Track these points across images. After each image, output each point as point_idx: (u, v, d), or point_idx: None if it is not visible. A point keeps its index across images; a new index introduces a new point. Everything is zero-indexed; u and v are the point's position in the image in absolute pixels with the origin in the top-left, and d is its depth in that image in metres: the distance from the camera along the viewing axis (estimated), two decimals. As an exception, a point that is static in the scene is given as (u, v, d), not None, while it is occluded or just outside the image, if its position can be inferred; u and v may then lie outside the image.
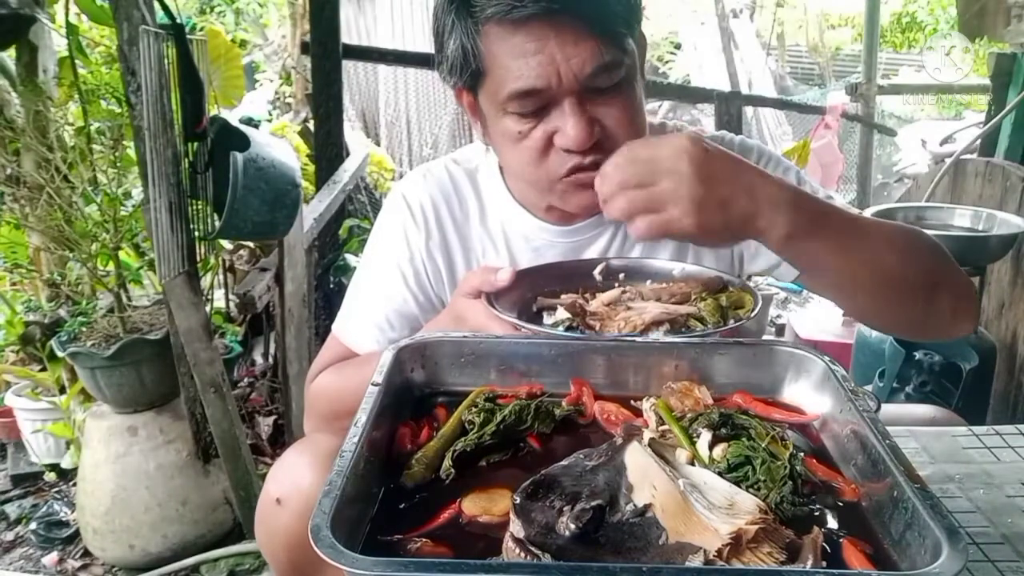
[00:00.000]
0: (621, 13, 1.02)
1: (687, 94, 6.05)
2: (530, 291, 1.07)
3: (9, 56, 2.54)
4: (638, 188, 0.88)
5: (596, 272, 1.12)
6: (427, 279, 1.25)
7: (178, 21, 1.91)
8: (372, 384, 0.78)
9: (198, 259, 2.14)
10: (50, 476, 2.75)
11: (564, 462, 0.70)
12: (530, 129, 1.04)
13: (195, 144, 2.02)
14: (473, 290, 1.03)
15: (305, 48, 3.56)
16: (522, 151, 1.07)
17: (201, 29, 2.90)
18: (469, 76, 1.05)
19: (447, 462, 0.75)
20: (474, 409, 0.82)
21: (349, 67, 6.26)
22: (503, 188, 1.25)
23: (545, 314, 1.02)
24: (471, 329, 0.98)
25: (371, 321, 1.23)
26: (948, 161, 2.99)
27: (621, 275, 1.13)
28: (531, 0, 0.95)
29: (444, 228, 1.25)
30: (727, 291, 1.04)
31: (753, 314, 0.96)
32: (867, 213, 2.54)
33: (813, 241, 0.92)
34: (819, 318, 3.99)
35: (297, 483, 1.01)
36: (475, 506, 0.69)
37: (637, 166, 0.88)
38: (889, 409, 1.42)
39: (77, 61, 2.44)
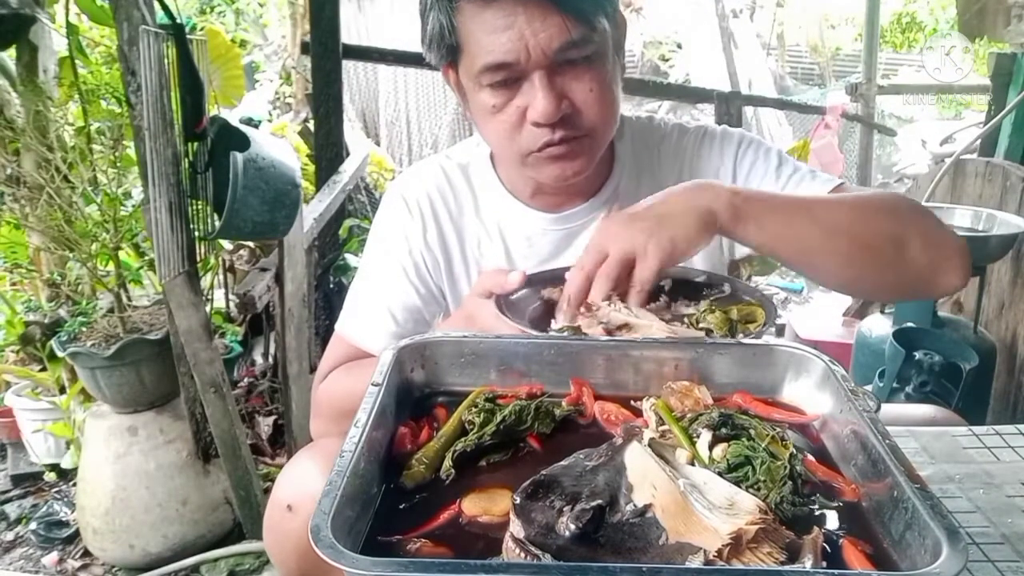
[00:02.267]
0: None
1: (687, 94, 6.04)
2: (543, 294, 1.08)
3: (9, 56, 2.54)
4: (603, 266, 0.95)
5: None
6: (427, 271, 1.28)
7: (178, 21, 1.91)
8: (372, 384, 0.78)
9: (198, 259, 2.14)
10: (50, 476, 2.75)
11: (564, 462, 0.70)
12: (504, 103, 1.08)
13: (195, 144, 2.02)
14: (485, 291, 1.05)
15: (305, 48, 3.56)
16: (497, 124, 1.11)
17: (201, 29, 2.90)
18: (446, 51, 1.10)
19: (447, 462, 0.75)
20: (474, 409, 0.82)
21: (349, 67, 6.26)
22: (495, 180, 1.28)
23: (553, 320, 1.02)
24: (480, 329, 0.99)
25: (376, 316, 1.26)
26: (948, 161, 2.99)
27: None
28: None
29: (440, 221, 1.28)
30: (741, 303, 1.04)
31: (761, 330, 0.96)
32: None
33: (759, 219, 0.99)
34: (819, 318, 3.99)
35: (308, 489, 1.01)
36: (475, 506, 0.69)
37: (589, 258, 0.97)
38: (889, 409, 1.42)
39: (77, 61, 2.44)
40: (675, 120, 1.35)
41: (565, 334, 0.93)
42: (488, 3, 1.02)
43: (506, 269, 1.09)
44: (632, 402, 0.86)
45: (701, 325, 0.97)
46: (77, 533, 2.44)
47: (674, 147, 1.30)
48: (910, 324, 2.34)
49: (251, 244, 3.34)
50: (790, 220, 1.02)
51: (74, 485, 2.53)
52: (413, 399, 0.88)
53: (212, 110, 2.17)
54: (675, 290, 1.10)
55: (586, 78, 1.07)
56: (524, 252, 1.27)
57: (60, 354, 2.33)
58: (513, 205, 1.27)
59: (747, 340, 0.93)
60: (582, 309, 1.02)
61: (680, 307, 1.05)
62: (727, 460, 0.72)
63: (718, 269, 1.30)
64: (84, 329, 2.32)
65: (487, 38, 1.03)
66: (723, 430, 0.76)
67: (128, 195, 2.47)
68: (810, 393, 0.85)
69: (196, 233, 2.10)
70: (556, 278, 1.11)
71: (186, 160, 2.01)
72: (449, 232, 1.29)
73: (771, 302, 1.05)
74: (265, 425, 2.85)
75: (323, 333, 2.90)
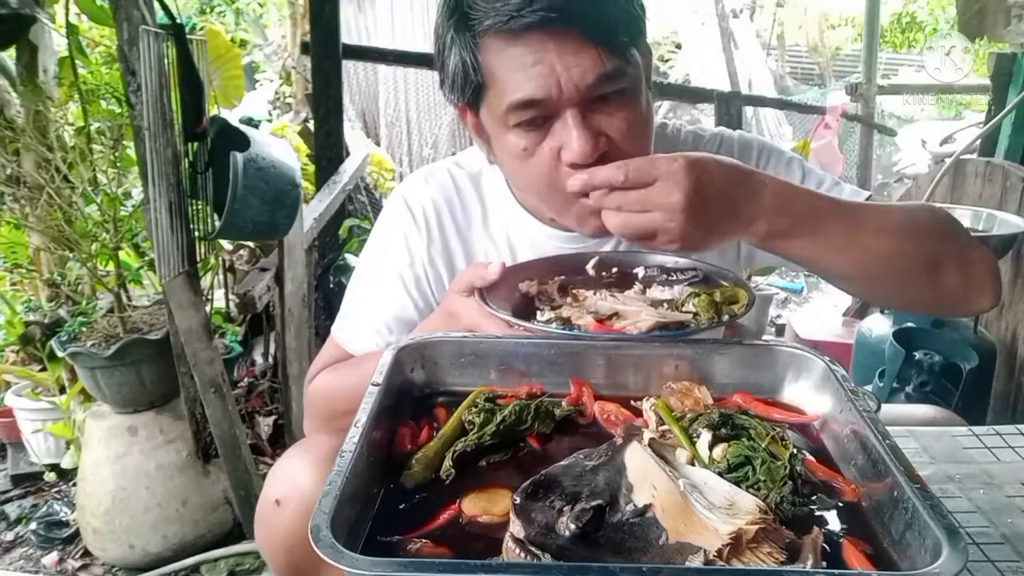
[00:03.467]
0: (622, 22, 1.00)
1: (687, 94, 6.05)
2: (523, 287, 1.06)
3: (9, 56, 2.54)
4: (632, 213, 0.91)
5: (589, 267, 1.11)
6: (428, 285, 1.23)
7: (178, 21, 1.91)
8: (372, 384, 0.78)
9: (198, 259, 2.14)
10: (50, 476, 2.75)
11: (564, 462, 0.70)
12: (535, 145, 1.02)
13: (195, 144, 2.02)
14: (466, 286, 1.02)
15: (305, 48, 3.56)
16: (530, 168, 1.05)
17: (201, 29, 2.90)
18: (471, 91, 1.04)
19: (447, 462, 0.75)
20: (474, 409, 0.82)
21: (349, 67, 6.26)
22: (507, 192, 1.23)
23: (538, 311, 1.01)
24: (464, 327, 0.97)
25: (370, 326, 1.22)
26: (948, 161, 2.99)
27: (614, 269, 1.12)
28: (529, 10, 0.94)
29: (446, 233, 1.23)
30: (721, 286, 1.03)
31: (747, 309, 0.95)
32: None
33: (800, 238, 0.96)
34: (819, 318, 3.99)
35: (297, 484, 1.01)
36: (475, 506, 0.69)
37: (634, 194, 0.90)
38: (889, 409, 1.42)
39: (77, 61, 2.43)
40: (688, 127, 1.30)
41: (553, 325, 0.93)
42: (517, 36, 0.96)
43: (485, 263, 1.03)
44: (632, 402, 0.86)
45: (685, 309, 0.96)
46: (77, 533, 2.44)
47: None
48: (910, 324, 2.34)
49: (251, 244, 3.34)
50: (830, 242, 0.98)
51: (74, 485, 2.53)
52: (413, 399, 0.88)
53: (212, 110, 2.17)
54: (646, 276, 1.10)
55: (622, 114, 1.01)
56: None
57: (60, 354, 2.33)
58: (525, 220, 1.22)
59: (747, 341, 0.93)
60: (568, 300, 1.02)
61: (655, 292, 1.04)
62: (727, 460, 0.72)
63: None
64: (84, 329, 2.32)
65: (515, 74, 0.98)
66: (723, 430, 0.76)
67: (128, 195, 2.47)
68: (810, 393, 0.86)
69: (196, 233, 2.10)
70: (536, 270, 1.10)
71: (186, 160, 2.01)
72: (455, 246, 1.24)
73: (747, 283, 1.04)
74: (265, 425, 2.85)
75: (323, 333, 2.90)
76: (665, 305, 0.99)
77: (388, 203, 1.30)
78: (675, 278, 1.09)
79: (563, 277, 1.07)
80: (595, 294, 1.01)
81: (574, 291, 1.03)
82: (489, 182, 1.25)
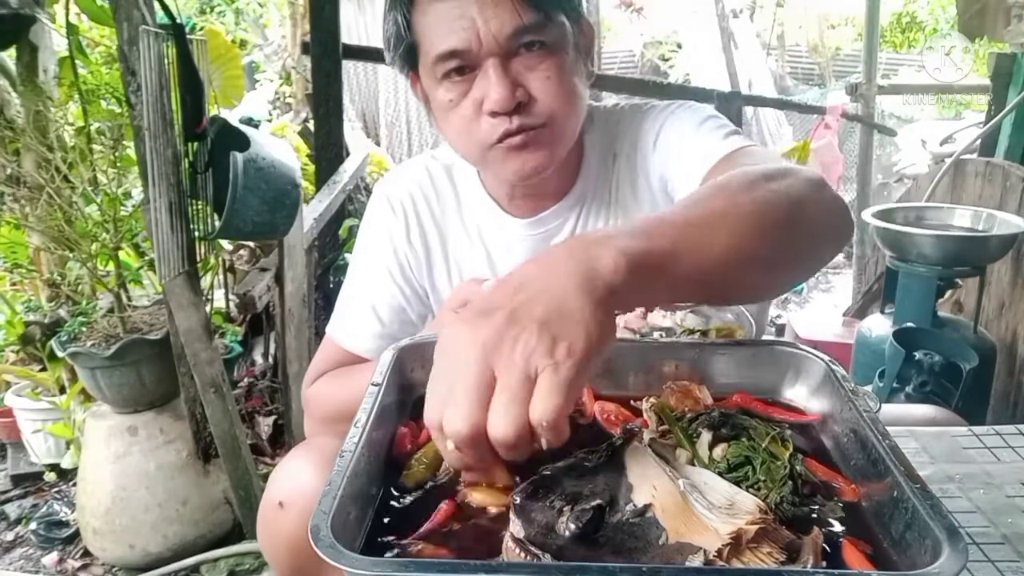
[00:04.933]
0: None
1: (687, 94, 6.02)
2: None
3: (9, 56, 2.54)
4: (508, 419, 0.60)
5: None
6: (410, 270, 1.28)
7: (178, 21, 1.91)
8: (372, 384, 0.78)
9: (198, 259, 2.14)
10: (50, 476, 2.75)
11: (564, 462, 0.70)
12: (460, 96, 1.07)
13: (195, 144, 2.02)
14: (461, 302, 1.03)
15: (305, 48, 3.56)
16: (455, 120, 1.10)
17: (201, 29, 2.89)
18: (405, 51, 1.09)
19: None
20: (474, 409, 0.82)
21: (349, 67, 6.26)
22: (478, 183, 1.28)
23: None
24: None
25: (363, 319, 1.26)
26: (948, 161, 2.99)
27: None
28: None
29: (422, 220, 1.28)
30: (718, 326, 1.02)
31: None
32: (866, 213, 2.54)
33: (661, 278, 0.67)
34: (819, 318, 3.99)
35: (299, 486, 1.01)
36: (477, 496, 0.69)
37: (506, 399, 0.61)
38: (889, 409, 1.43)
39: (77, 61, 2.43)
40: (634, 101, 1.30)
41: None
42: None
43: (480, 279, 1.07)
44: (632, 402, 0.86)
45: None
46: (77, 533, 2.44)
47: (628, 129, 1.24)
48: (910, 324, 2.34)
49: (251, 244, 3.34)
50: (700, 253, 0.69)
51: (74, 485, 2.53)
52: (413, 399, 0.88)
53: (212, 110, 2.17)
54: None
55: (542, 66, 1.05)
56: (504, 258, 1.26)
57: (60, 354, 2.33)
58: (492, 210, 1.26)
59: (747, 341, 0.93)
60: None
61: (656, 318, 1.04)
62: (727, 460, 0.72)
63: None
64: (84, 329, 2.32)
65: (439, 27, 1.04)
66: (723, 430, 0.76)
67: (128, 195, 2.47)
68: (810, 393, 0.85)
69: (196, 233, 2.10)
70: None
71: (186, 160, 2.01)
72: (431, 232, 1.28)
73: (748, 315, 1.03)
74: (265, 425, 2.85)
75: (323, 333, 2.90)
76: (662, 335, 0.99)
77: (370, 201, 1.34)
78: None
79: None
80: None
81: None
82: (461, 173, 1.30)
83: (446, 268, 1.29)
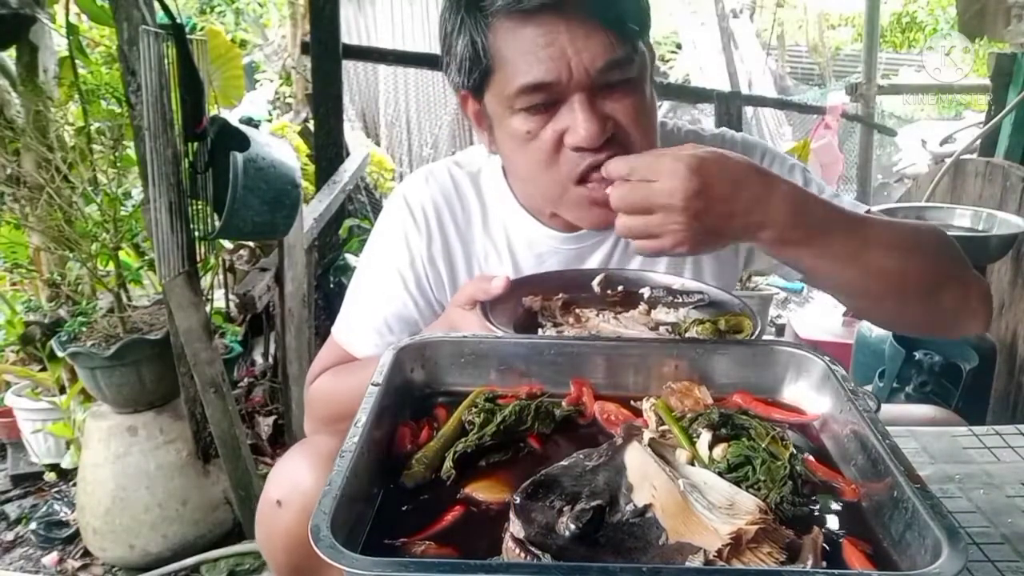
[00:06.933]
0: (632, 11, 1.01)
1: (687, 94, 6.05)
2: (527, 301, 1.06)
3: (9, 56, 2.54)
4: (635, 214, 0.89)
5: (595, 283, 1.11)
6: (428, 284, 1.23)
7: (178, 21, 1.91)
8: (372, 384, 0.78)
9: (198, 259, 2.14)
10: (50, 476, 2.75)
11: (564, 462, 0.70)
12: (539, 128, 1.01)
13: (195, 144, 2.02)
14: (468, 300, 1.02)
15: (305, 48, 3.56)
16: (531, 153, 1.04)
17: (201, 29, 2.89)
18: (479, 74, 1.03)
19: (447, 463, 0.75)
20: (474, 409, 0.82)
21: (349, 67, 6.25)
22: (507, 191, 1.22)
23: (540, 328, 1.02)
24: None
25: (370, 325, 1.22)
26: (948, 161, 2.99)
27: (620, 287, 1.11)
28: None
29: (446, 232, 1.23)
30: (726, 314, 1.03)
31: (752, 337, 0.95)
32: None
33: (809, 248, 0.93)
34: (819, 318, 3.99)
35: (297, 485, 1.01)
36: (478, 492, 0.70)
37: (635, 192, 0.88)
38: (889, 409, 1.42)
39: (77, 61, 2.43)
40: (688, 126, 1.29)
41: None
42: (528, 18, 0.96)
43: (489, 276, 1.04)
44: (632, 402, 0.86)
45: (688, 335, 0.96)
46: (77, 533, 2.44)
47: None
48: (910, 324, 2.33)
49: (251, 244, 3.34)
50: (836, 255, 0.95)
51: (74, 485, 2.53)
52: (413, 399, 0.88)
53: (212, 110, 2.17)
54: (652, 296, 1.09)
55: (628, 100, 1.01)
56: (532, 269, 1.21)
57: (60, 354, 2.33)
58: (524, 220, 1.21)
59: (747, 341, 0.93)
60: (571, 319, 1.02)
61: (660, 314, 1.04)
62: (727, 460, 0.72)
63: (731, 281, 1.29)
64: (84, 329, 2.32)
65: (525, 56, 0.97)
66: (723, 430, 0.76)
67: (128, 195, 2.46)
68: (810, 393, 0.85)
69: (196, 233, 2.10)
70: (540, 284, 1.10)
71: (186, 160, 2.01)
72: (455, 246, 1.23)
73: (751, 310, 1.03)
74: (265, 425, 2.85)
75: (323, 333, 2.90)
76: (668, 329, 0.99)
77: (388, 202, 1.30)
78: (680, 300, 1.09)
79: (567, 295, 1.07)
80: (598, 315, 1.01)
81: (577, 311, 1.03)
82: (488, 181, 1.25)
83: None
